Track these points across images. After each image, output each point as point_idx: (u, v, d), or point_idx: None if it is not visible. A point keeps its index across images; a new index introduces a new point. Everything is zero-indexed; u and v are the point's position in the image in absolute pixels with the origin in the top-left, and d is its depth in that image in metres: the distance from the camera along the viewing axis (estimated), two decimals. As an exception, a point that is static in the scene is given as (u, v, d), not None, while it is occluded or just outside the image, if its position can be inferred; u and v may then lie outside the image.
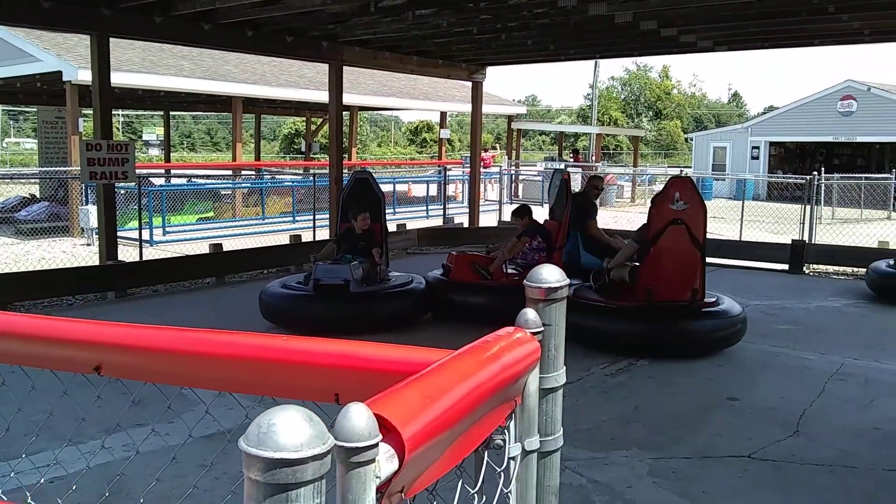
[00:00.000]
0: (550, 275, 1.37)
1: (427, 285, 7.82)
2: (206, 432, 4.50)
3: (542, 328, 1.35)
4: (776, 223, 16.73)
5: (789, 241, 12.06)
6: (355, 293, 7.23)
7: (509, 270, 7.84)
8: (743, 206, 16.40)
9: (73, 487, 3.79)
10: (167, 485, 3.96)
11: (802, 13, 8.68)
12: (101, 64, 8.91)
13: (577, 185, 25.15)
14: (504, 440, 1.27)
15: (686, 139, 52.90)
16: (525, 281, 1.40)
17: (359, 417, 0.84)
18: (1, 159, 34.13)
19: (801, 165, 32.16)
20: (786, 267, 11.57)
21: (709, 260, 11.97)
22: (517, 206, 8.69)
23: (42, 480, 3.93)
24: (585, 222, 8.85)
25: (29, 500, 2.19)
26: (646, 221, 7.18)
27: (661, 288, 6.80)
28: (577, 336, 6.62)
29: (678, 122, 61.97)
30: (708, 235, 7.35)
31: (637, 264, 7.20)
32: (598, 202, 9.64)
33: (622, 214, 21.92)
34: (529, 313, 1.34)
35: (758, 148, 31.09)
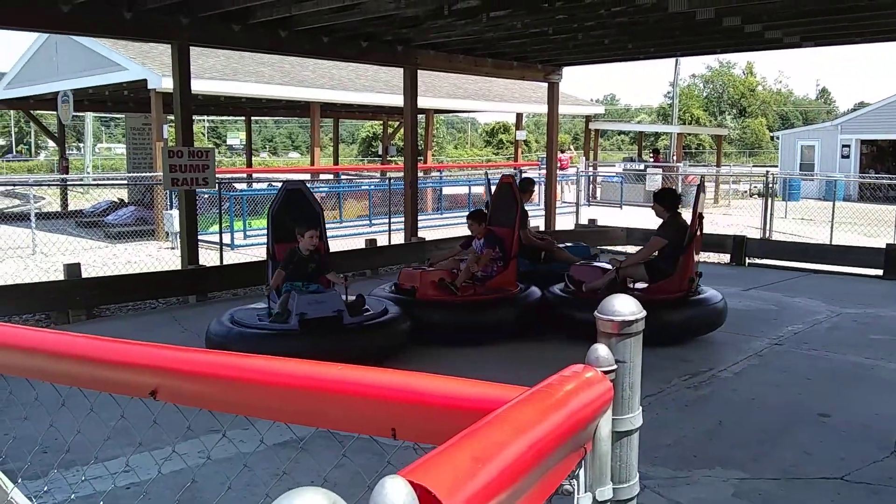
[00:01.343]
0: (624, 306, 1.25)
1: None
2: (279, 440, 4.49)
3: (614, 366, 1.23)
4: (869, 226, 16.00)
5: (883, 245, 11.46)
6: (349, 325, 6.24)
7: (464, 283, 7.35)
8: (834, 208, 15.71)
9: (146, 494, 3.85)
10: (239, 493, 3.97)
11: (897, 5, 8.23)
12: (182, 72, 9.11)
13: (657, 185, 24.69)
14: (573, 487, 1.16)
15: (772, 137, 51.24)
16: (596, 313, 1.28)
17: (396, 494, 0.75)
18: (93, 164, 35.52)
19: (894, 164, 30.77)
20: (880, 272, 11.00)
21: (794, 265, 11.66)
22: (474, 209, 8.24)
23: (115, 486, 3.99)
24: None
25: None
26: (666, 220, 7.52)
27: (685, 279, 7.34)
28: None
29: (763, 119, 60.18)
30: (796, 238, 7.20)
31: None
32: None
33: (704, 215, 21.30)
34: (601, 349, 1.22)
35: (848, 146, 29.86)
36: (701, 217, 7.53)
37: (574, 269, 7.81)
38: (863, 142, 30.14)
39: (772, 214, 14.96)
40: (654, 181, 24.85)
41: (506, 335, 7.10)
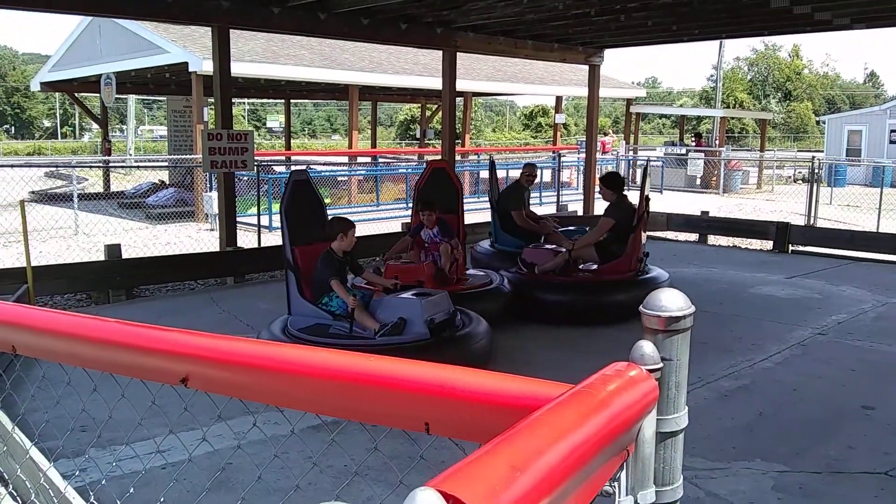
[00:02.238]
0: (672, 301, 1.19)
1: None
2: (313, 422, 4.48)
3: (660, 364, 1.17)
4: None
5: (933, 233, 11.14)
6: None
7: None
8: (882, 194, 15.31)
9: (180, 475, 3.88)
10: (273, 475, 3.99)
11: (955, -15, 7.94)
12: (222, 55, 9.13)
13: (698, 170, 24.33)
14: (613, 489, 1.11)
15: (818, 122, 50.13)
16: (641, 308, 1.22)
17: (426, 506, 0.71)
18: (135, 146, 36.01)
19: (945, 150, 29.94)
20: (929, 261, 10.70)
21: (839, 252, 11.39)
22: (425, 200, 7.66)
23: (149, 467, 4.02)
24: (511, 207, 9.09)
25: (128, 489, 2.20)
26: (613, 202, 7.63)
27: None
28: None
29: (809, 103, 58.88)
30: (841, 225, 7.01)
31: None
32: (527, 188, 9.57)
33: (747, 201, 20.97)
34: (646, 346, 1.16)
35: (897, 131, 29.07)
36: (647, 199, 7.77)
37: (526, 252, 7.89)
38: (912, 127, 29.34)
39: (817, 201, 14.64)
40: (696, 166, 24.48)
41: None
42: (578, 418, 0.95)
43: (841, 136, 30.78)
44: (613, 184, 7.75)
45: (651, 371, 1.15)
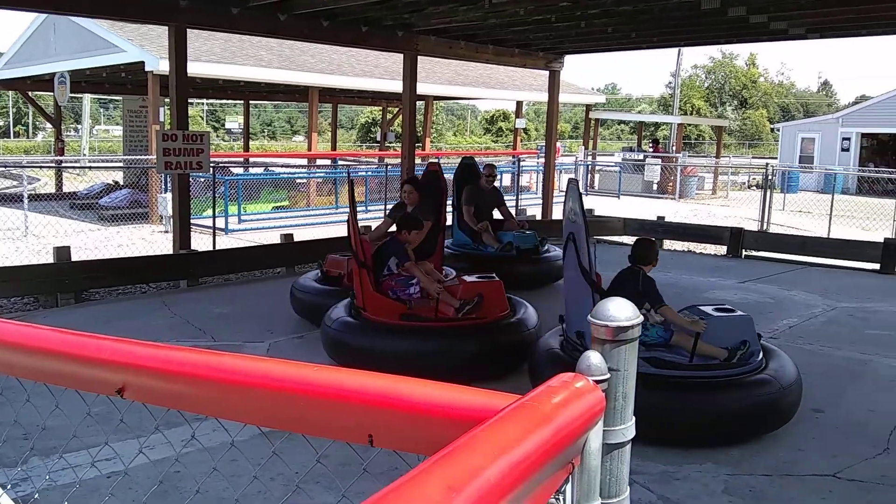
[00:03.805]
0: (620, 311, 1.18)
1: None
2: (264, 428, 4.42)
3: (607, 375, 1.16)
4: (867, 219, 15.91)
5: (881, 240, 11.39)
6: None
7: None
8: (833, 201, 15.64)
9: (127, 483, 3.79)
10: (222, 484, 3.91)
11: (904, -3, 8.13)
12: (179, 55, 8.99)
13: (655, 175, 24.61)
14: (558, 501, 1.09)
15: (772, 129, 51.09)
16: (589, 317, 1.20)
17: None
18: (90, 146, 35.34)
19: (894, 158, 30.70)
20: (877, 267, 10.95)
21: (791, 258, 11.61)
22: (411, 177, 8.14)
23: (97, 474, 3.92)
24: (462, 204, 9.37)
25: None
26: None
27: None
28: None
29: (764, 111, 60.03)
30: (794, 231, 7.01)
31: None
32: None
33: (702, 207, 21.27)
34: (593, 357, 1.15)
35: (849, 139, 29.77)
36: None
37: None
38: (863, 135, 30.05)
39: (770, 207, 14.90)
40: (654, 171, 24.78)
41: None
42: (521, 433, 0.93)
43: (794, 144, 31.42)
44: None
45: (598, 382, 1.14)
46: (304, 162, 22.43)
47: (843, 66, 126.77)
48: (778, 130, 35.85)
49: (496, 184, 10.40)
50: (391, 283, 6.15)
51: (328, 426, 1.29)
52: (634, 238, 13.44)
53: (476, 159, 10.40)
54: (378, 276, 6.18)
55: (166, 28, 9.27)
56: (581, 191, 5.39)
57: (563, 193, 5.46)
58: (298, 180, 18.61)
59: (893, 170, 21.21)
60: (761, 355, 4.99)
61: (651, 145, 28.73)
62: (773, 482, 4.18)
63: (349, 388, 1.25)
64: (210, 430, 3.93)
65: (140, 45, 15.44)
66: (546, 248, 9.29)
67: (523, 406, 1.01)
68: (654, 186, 24.70)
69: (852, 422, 5.11)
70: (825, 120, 32.26)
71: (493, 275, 6.32)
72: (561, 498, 1.09)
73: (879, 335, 7.42)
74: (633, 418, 1.22)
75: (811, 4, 8.79)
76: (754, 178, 27.36)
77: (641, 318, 1.21)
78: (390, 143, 25.74)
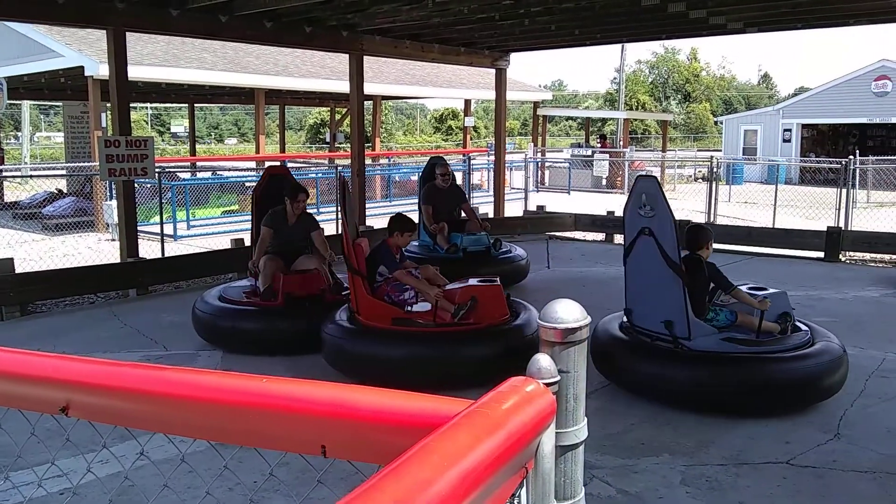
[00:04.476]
0: (568, 313, 1.17)
1: None
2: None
3: (557, 377, 1.15)
4: (810, 208, 16.28)
5: (824, 228, 11.67)
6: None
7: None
8: (776, 191, 15.99)
9: (79, 499, 3.69)
10: (181, 495, 3.84)
11: (838, -8, 8.35)
12: (118, 59, 8.80)
13: (604, 170, 24.88)
14: (513, 506, 1.08)
15: (716, 122, 52.05)
16: (538, 320, 1.19)
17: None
18: (31, 154, 34.41)
19: (833, 148, 31.52)
20: (821, 255, 11.22)
21: (738, 248, 11.81)
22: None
23: (47, 492, 3.81)
24: (421, 202, 9.25)
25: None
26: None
27: None
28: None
29: (707, 104, 61.12)
30: (740, 222, 7.14)
31: None
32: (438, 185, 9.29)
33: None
34: (543, 360, 1.14)
35: (790, 130, 30.46)
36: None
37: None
38: (803, 126, 30.77)
39: (716, 199, 15.16)
40: (602, 167, 25.05)
41: None
42: (471, 441, 0.92)
43: (738, 136, 32.05)
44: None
45: (548, 385, 1.13)
46: (252, 165, 22.16)
47: (783, 58, 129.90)
48: (721, 123, 36.54)
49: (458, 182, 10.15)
50: (386, 287, 6.04)
51: (280, 438, 1.26)
52: (586, 233, 13.61)
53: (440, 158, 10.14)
54: (371, 281, 6.05)
55: (104, 32, 9.07)
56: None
57: (630, 190, 5.54)
58: (248, 183, 18.38)
59: (834, 159, 21.69)
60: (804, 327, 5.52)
61: (599, 141, 29.04)
62: (729, 471, 4.24)
63: (299, 398, 1.22)
64: (164, 442, 3.85)
65: (79, 49, 15.09)
66: (505, 248, 9.11)
67: (474, 413, 0.99)
68: (603, 181, 24.97)
69: (803, 409, 5.21)
70: (766, 112, 32.97)
71: (496, 278, 6.18)
72: (516, 503, 1.08)
73: (824, 322, 7.56)
74: (586, 419, 1.21)
75: (748, 0, 8.98)
76: (700, 171, 27.83)
77: (589, 319, 1.21)
78: (340, 143, 25.58)
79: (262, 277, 6.75)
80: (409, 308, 5.90)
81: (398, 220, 6.33)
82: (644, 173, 8.82)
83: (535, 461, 1.10)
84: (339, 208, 6.19)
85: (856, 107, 28.43)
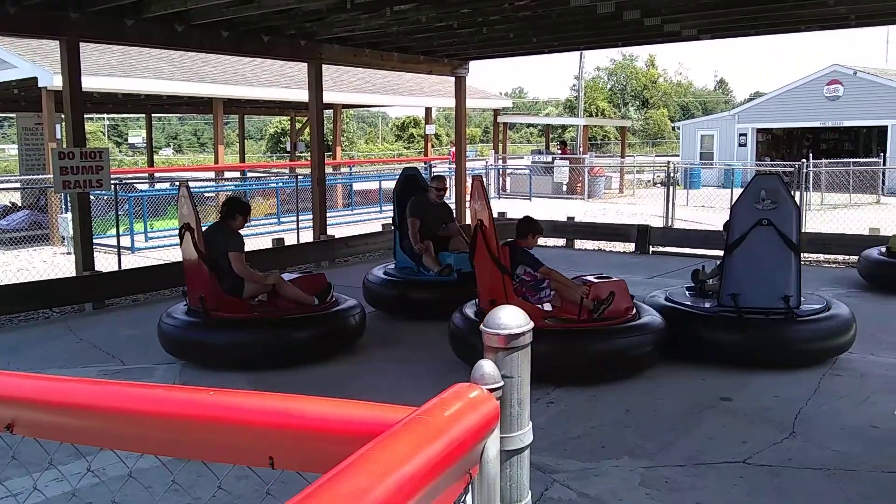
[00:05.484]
0: (511, 319, 1.19)
1: None
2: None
3: (501, 383, 1.17)
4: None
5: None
6: None
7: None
8: (731, 195, 16.22)
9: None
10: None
11: (788, -1, 8.54)
12: (72, 70, 8.67)
13: (564, 177, 25.08)
14: (459, 514, 1.09)
15: (673, 128, 52.81)
16: (482, 327, 1.21)
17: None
18: (-17, 167, 33.69)
19: (788, 151, 32.12)
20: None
21: (696, 252, 11.96)
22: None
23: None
24: (407, 216, 8.42)
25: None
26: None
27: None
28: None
29: (665, 110, 61.97)
30: (697, 226, 7.46)
31: None
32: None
33: (610, 206, 21.78)
34: (486, 366, 1.15)
35: (745, 135, 31.00)
36: None
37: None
38: (759, 130, 31.33)
39: (674, 203, 15.36)
40: (562, 173, 25.24)
41: None
42: (411, 449, 0.92)
43: (695, 141, 32.53)
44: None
45: (492, 390, 1.14)
46: (211, 175, 21.95)
47: (738, 64, 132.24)
48: (679, 129, 37.06)
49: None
50: (522, 289, 6.26)
51: (227, 451, 1.26)
52: (547, 239, 13.70)
53: (418, 167, 9.77)
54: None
55: (57, 42, 8.93)
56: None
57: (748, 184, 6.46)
58: (207, 194, 18.20)
59: (788, 163, 22.16)
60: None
61: (559, 147, 29.26)
62: (688, 472, 4.30)
63: (246, 410, 1.22)
64: (116, 459, 3.78)
65: (32, 60, 14.83)
66: None
67: (415, 420, 1.00)
68: (564, 187, 25.16)
69: (759, 408, 5.31)
70: (722, 117, 33.53)
71: (612, 276, 6.66)
72: (462, 508, 1.09)
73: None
74: (530, 423, 1.23)
75: (701, 7, 9.14)
76: (658, 176, 28.19)
77: (532, 324, 1.22)
78: (301, 152, 25.45)
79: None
80: (541, 307, 6.16)
81: (530, 223, 6.57)
82: (765, 172, 9.25)
83: (479, 466, 1.11)
84: (483, 205, 6.25)
85: (809, 111, 29.04)
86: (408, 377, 6.07)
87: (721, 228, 7.32)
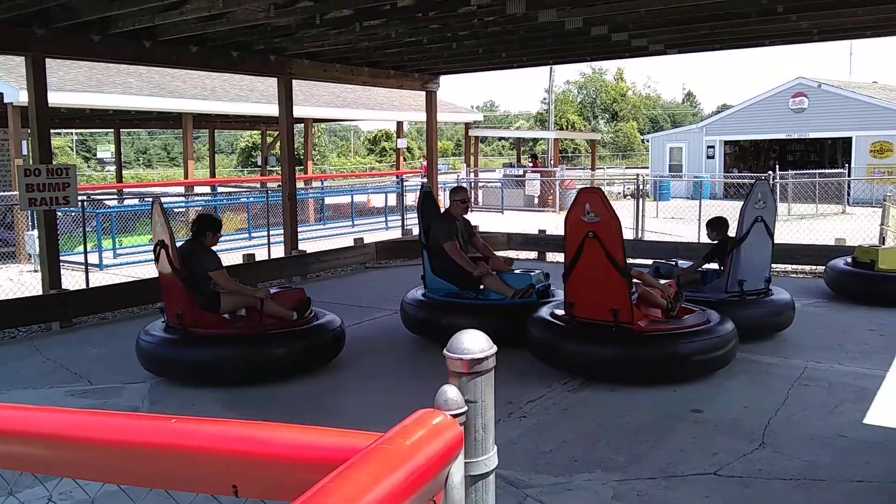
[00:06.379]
0: (474, 343, 1.18)
1: None
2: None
3: (465, 408, 1.16)
4: (734, 222, 16.76)
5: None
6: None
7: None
8: (700, 206, 16.39)
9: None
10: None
11: (752, 14, 8.66)
12: (38, 86, 8.56)
13: (536, 189, 25.19)
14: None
15: (643, 140, 53.31)
16: (445, 351, 1.20)
17: None
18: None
19: (755, 163, 32.56)
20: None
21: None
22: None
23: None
24: (442, 239, 7.48)
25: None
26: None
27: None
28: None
29: (634, 123, 62.54)
30: (667, 237, 7.84)
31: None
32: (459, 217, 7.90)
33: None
34: (450, 391, 1.15)
35: (713, 147, 31.38)
36: None
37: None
38: (726, 142, 31.73)
39: (643, 215, 15.50)
40: (534, 186, 25.35)
41: None
42: (371, 479, 0.91)
43: (664, 153, 32.87)
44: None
45: (455, 416, 1.14)
46: (181, 190, 21.77)
47: (706, 78, 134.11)
48: (648, 141, 37.43)
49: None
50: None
51: (190, 479, 1.24)
52: (519, 252, 13.73)
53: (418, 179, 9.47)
54: None
55: (22, 58, 8.83)
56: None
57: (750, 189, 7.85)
58: (177, 209, 18.04)
59: (755, 174, 22.44)
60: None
61: (530, 160, 29.41)
62: (659, 484, 4.31)
63: (208, 436, 1.21)
64: (73, 486, 3.73)
65: (-3, 75, 14.64)
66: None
67: (376, 450, 0.99)
68: (535, 200, 25.27)
69: (729, 419, 5.35)
70: (690, 130, 33.91)
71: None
72: (426, 535, 1.08)
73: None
74: (495, 447, 1.22)
75: (667, 22, 9.26)
76: (629, 188, 28.42)
77: (495, 349, 1.22)
78: (272, 167, 25.34)
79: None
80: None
81: None
82: (762, 178, 10.26)
83: (444, 492, 1.11)
84: (608, 214, 6.32)
85: (775, 123, 29.48)
86: (388, 393, 6.04)
87: (706, 227, 8.59)
